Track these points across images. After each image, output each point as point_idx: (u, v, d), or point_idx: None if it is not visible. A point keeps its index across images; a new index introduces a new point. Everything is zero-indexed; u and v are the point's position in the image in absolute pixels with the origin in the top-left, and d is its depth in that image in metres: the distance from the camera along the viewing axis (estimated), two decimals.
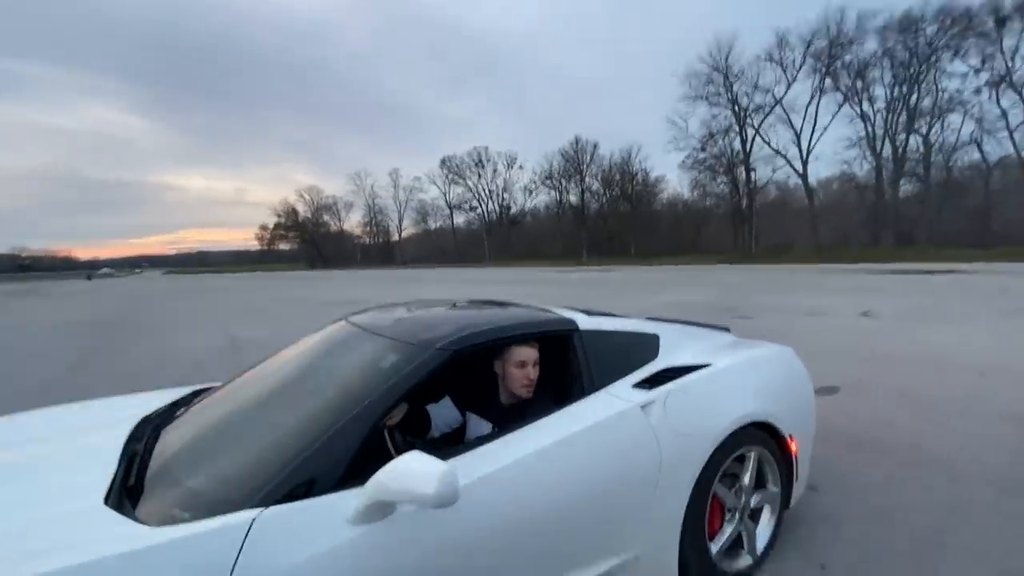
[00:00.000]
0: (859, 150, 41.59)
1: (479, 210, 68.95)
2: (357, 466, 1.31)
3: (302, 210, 77.36)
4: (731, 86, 44.30)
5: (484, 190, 67.63)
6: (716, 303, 11.45)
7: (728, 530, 1.98)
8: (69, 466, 1.54)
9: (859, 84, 39.81)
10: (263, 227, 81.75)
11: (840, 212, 45.05)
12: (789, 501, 2.19)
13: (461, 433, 1.97)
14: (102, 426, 1.84)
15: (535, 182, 64.18)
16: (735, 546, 2.02)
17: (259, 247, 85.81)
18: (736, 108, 44.69)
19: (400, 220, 76.03)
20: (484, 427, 1.85)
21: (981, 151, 37.23)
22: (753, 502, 2.07)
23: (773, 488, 2.13)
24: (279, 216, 77.85)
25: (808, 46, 40.16)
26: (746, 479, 2.03)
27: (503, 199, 67.34)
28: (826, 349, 6.10)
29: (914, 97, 38.60)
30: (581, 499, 1.57)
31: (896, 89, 39.12)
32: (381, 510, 1.24)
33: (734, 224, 47.27)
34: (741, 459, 2.02)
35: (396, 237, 78.32)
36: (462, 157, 66.80)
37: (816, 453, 2.45)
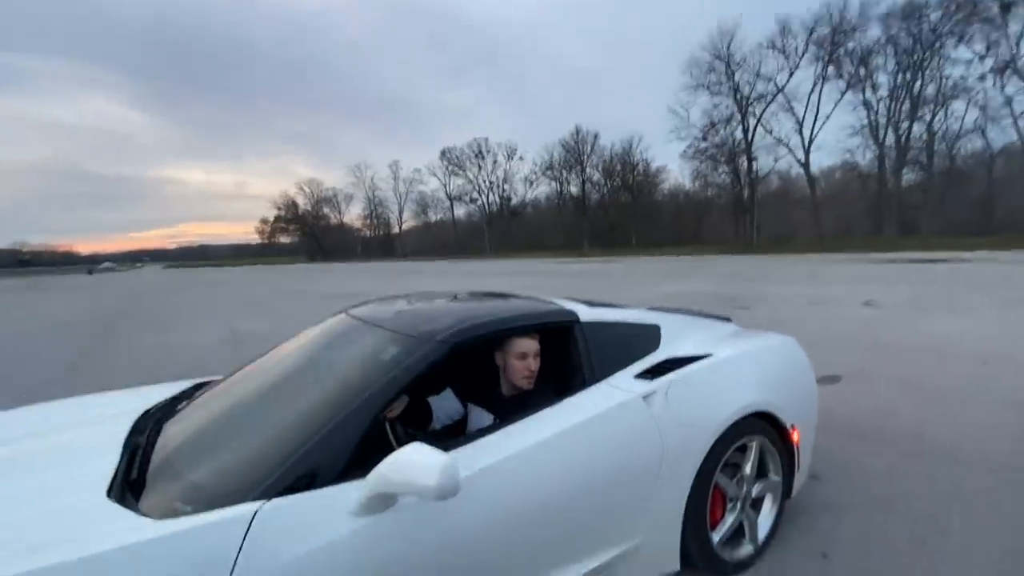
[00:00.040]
0: (862, 138, 41.34)
1: (479, 202, 68.84)
2: (359, 458, 1.31)
3: (302, 203, 77.24)
4: (733, 74, 43.92)
5: (484, 181, 67.47)
6: (717, 293, 11.43)
7: (730, 520, 1.98)
8: (71, 460, 1.55)
9: (862, 71, 39.46)
10: (263, 220, 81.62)
11: (843, 201, 44.88)
12: (791, 490, 2.20)
13: (463, 425, 1.97)
14: (104, 420, 1.85)
15: (536, 173, 64.02)
16: (737, 535, 2.02)
17: (260, 240, 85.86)
18: (738, 97, 44.34)
19: (400, 212, 75.97)
20: (486, 419, 1.85)
21: (985, 138, 36.98)
22: (755, 491, 2.07)
23: (775, 477, 2.13)
24: (279, 209, 77.73)
25: (811, 33, 39.74)
26: (748, 469, 2.03)
27: (503, 190, 67.18)
28: (828, 338, 6.09)
29: (917, 84, 38.27)
30: (583, 490, 1.58)
31: (899, 76, 38.77)
32: (383, 502, 1.24)
33: (736, 214, 47.09)
34: (743, 449, 2.02)
35: (396, 229, 78.27)
36: (462, 148, 66.59)
37: (818, 442, 2.45)
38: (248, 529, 1.13)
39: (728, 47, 43.06)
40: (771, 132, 44.16)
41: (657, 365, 1.97)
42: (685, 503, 1.77)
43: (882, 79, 39.44)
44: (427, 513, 1.29)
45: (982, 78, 35.35)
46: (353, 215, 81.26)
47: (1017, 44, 33.16)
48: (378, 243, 76.89)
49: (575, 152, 58.89)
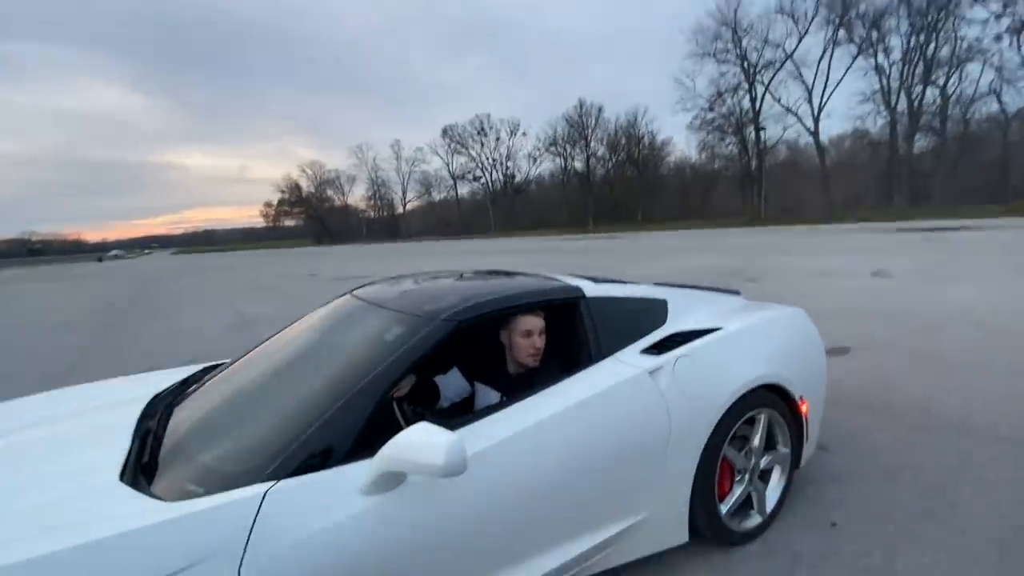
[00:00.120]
0: (873, 105, 40.42)
1: (483, 180, 68.31)
2: (367, 438, 1.31)
3: (305, 185, 77.06)
4: (740, 41, 42.87)
5: (487, 159, 66.84)
6: (725, 267, 11.35)
7: (738, 491, 2.00)
8: (84, 444, 1.57)
9: (874, 35, 38.33)
10: (267, 204, 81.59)
11: (852, 170, 44.10)
12: (799, 461, 2.20)
13: (470, 403, 1.97)
14: (115, 405, 1.87)
15: (539, 149, 63.34)
16: (745, 506, 2.04)
17: (265, 224, 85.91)
18: (745, 65, 43.35)
19: (404, 193, 75.58)
20: (493, 396, 1.86)
21: (1000, 101, 36.02)
22: (763, 463, 2.08)
23: (783, 449, 2.13)
24: (283, 192, 77.62)
25: None
26: (756, 441, 2.03)
27: (507, 168, 66.55)
28: (837, 310, 6.05)
29: (931, 46, 37.17)
30: (590, 465, 1.58)
31: (913, 39, 37.64)
32: (392, 480, 1.25)
33: (743, 186, 46.49)
34: (751, 421, 2.02)
35: (400, 210, 78.00)
36: (464, 126, 65.82)
37: (826, 414, 2.45)
38: (259, 510, 1.14)
39: (735, 12, 41.88)
40: (779, 101, 43.30)
41: (664, 340, 1.95)
42: (693, 476, 1.78)
43: (894, 42, 38.36)
44: (435, 491, 1.30)
45: (998, 38, 34.29)
46: (357, 196, 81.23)
47: None
48: (382, 224, 76.76)
49: (579, 126, 58.08)
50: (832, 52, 40.14)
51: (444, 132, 66.69)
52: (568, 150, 60.08)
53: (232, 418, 1.61)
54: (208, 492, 1.19)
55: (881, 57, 38.89)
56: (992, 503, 2.14)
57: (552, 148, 61.14)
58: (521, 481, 1.45)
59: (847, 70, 40.20)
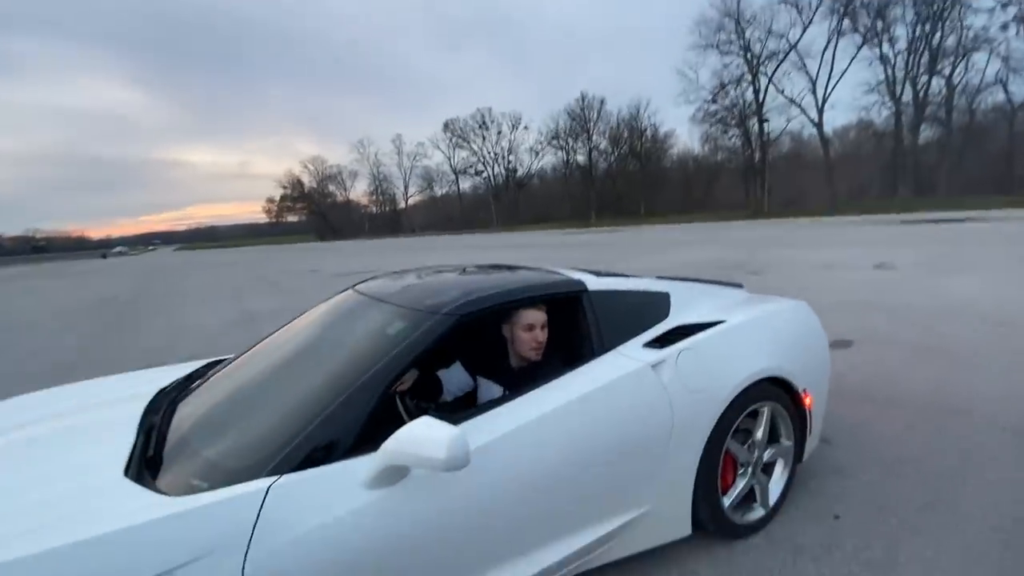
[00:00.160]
0: (878, 95, 40.05)
1: (485, 174, 68.07)
2: (370, 432, 1.32)
3: (307, 181, 76.96)
4: (743, 32, 42.46)
5: (489, 153, 66.58)
6: (728, 260, 11.31)
7: (741, 484, 2.00)
8: (89, 440, 1.58)
9: (879, 24, 37.90)
10: (270, 200, 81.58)
11: (857, 162, 43.78)
12: (802, 455, 2.20)
13: (473, 397, 1.98)
14: (119, 400, 1.88)
15: (541, 142, 63.04)
16: (748, 499, 2.04)
17: (268, 220, 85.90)
18: (748, 56, 42.96)
19: (406, 187, 75.46)
20: (495, 390, 1.86)
21: (1006, 91, 35.66)
22: (766, 456, 2.08)
23: (786, 442, 2.13)
24: (285, 188, 77.56)
25: None
26: (759, 434, 2.03)
27: (509, 162, 66.29)
28: (840, 302, 6.03)
29: (937, 36, 36.75)
30: (592, 459, 1.58)
31: (918, 28, 37.22)
32: (394, 474, 1.26)
33: (746, 179, 46.23)
34: (754, 415, 2.02)
35: (403, 205, 77.92)
36: (465, 120, 65.54)
37: (829, 407, 2.44)
38: (263, 504, 1.15)
39: (738, 3, 41.47)
40: (783, 92, 42.92)
41: (667, 333, 1.95)
42: (696, 469, 1.78)
43: (900, 31, 37.92)
44: (439, 484, 1.31)
45: (1004, 27, 33.87)
46: (359, 192, 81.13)
47: None
48: (385, 219, 76.69)
49: (581, 119, 57.77)
50: (836, 42, 39.74)
51: (445, 126, 66.49)
52: (570, 143, 59.88)
53: (236, 413, 1.61)
54: (212, 487, 1.20)
55: (886, 47, 38.53)
56: (995, 497, 2.14)
57: (554, 142, 60.92)
58: (524, 475, 1.46)
59: (852, 60, 39.80)
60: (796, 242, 14.73)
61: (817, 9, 39.19)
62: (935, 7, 35.90)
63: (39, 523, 1.11)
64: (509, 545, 1.46)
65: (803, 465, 2.27)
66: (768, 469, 2.11)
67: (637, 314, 2.00)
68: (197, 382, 1.96)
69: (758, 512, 2.03)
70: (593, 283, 1.96)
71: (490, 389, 1.90)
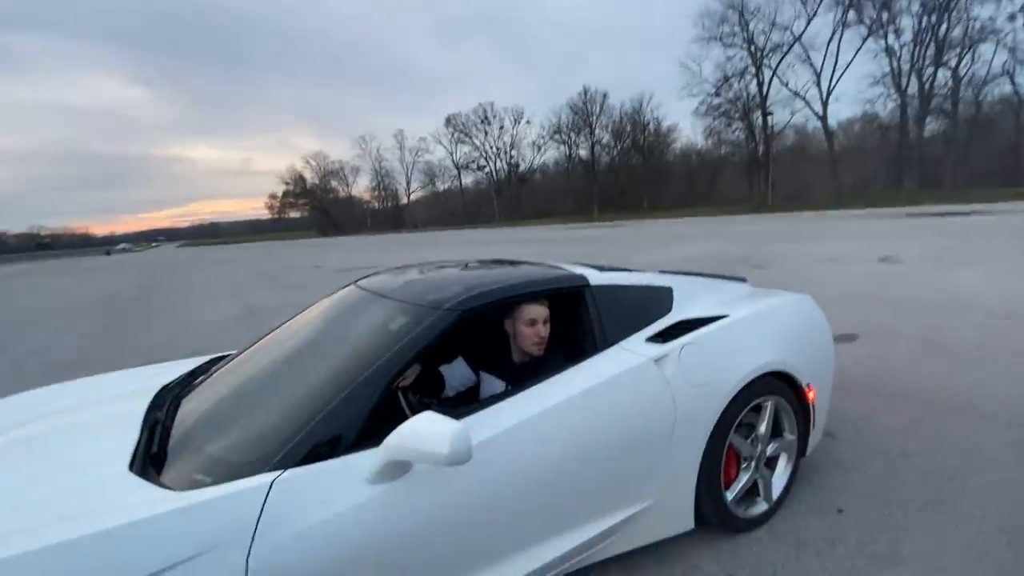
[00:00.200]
0: (883, 87, 39.73)
1: (487, 169, 67.96)
2: (372, 427, 1.32)
3: (310, 177, 77.01)
4: (747, 24, 42.14)
5: (491, 148, 66.44)
6: (730, 254, 11.27)
7: (744, 479, 1.99)
8: (93, 435, 1.59)
9: (884, 15, 37.54)
10: (272, 196, 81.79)
11: (862, 155, 43.46)
12: (806, 449, 2.19)
13: (475, 392, 1.98)
14: (123, 396, 1.89)
15: (543, 137, 62.84)
16: (751, 493, 2.04)
17: (270, 216, 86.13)
18: (752, 48, 42.63)
19: (408, 183, 75.42)
20: (498, 385, 1.86)
21: (1013, 83, 35.32)
22: (769, 451, 2.07)
23: (790, 436, 2.12)
24: (287, 184, 77.64)
25: None
26: (762, 428, 2.03)
27: (511, 156, 66.15)
28: (844, 296, 6.00)
29: (943, 27, 36.39)
30: (595, 454, 1.58)
31: (924, 19, 36.84)
32: (397, 469, 1.26)
33: (750, 172, 46.00)
34: (758, 409, 2.01)
35: (405, 200, 77.87)
36: (467, 114, 65.42)
37: (833, 401, 2.43)
38: (266, 499, 1.15)
39: None
40: (787, 85, 42.62)
41: (669, 328, 1.94)
42: (699, 464, 1.78)
43: (906, 23, 37.56)
44: (442, 479, 1.31)
45: (1011, 18, 33.51)
46: (361, 187, 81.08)
47: None
48: (387, 215, 76.75)
49: (583, 113, 57.56)
50: (841, 34, 39.42)
51: (447, 121, 66.38)
52: (573, 138, 59.71)
53: (239, 408, 1.62)
54: (216, 482, 1.20)
55: (892, 38, 38.20)
56: (999, 492, 2.13)
57: (556, 136, 60.76)
58: (526, 470, 1.46)
59: (857, 52, 39.48)
60: (800, 236, 14.66)
61: (822, 1, 38.84)
62: None
63: (44, 518, 1.12)
64: (511, 540, 1.46)
65: (807, 459, 2.27)
66: (771, 463, 2.11)
67: (640, 308, 1.99)
68: (200, 378, 1.96)
69: (761, 506, 2.03)
70: (595, 278, 1.95)
71: (492, 384, 1.89)
